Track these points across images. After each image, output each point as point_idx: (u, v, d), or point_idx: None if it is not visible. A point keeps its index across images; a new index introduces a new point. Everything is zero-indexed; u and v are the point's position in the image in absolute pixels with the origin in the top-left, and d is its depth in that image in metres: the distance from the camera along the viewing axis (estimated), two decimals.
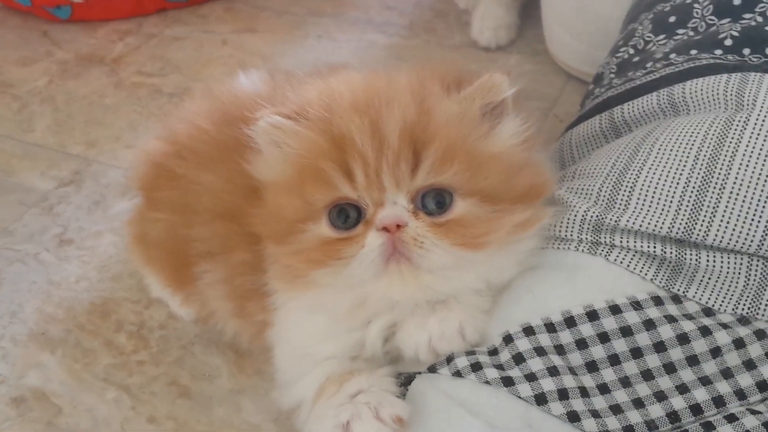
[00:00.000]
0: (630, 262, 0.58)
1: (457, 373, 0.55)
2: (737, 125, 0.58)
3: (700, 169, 0.58)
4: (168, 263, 0.73)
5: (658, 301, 0.56)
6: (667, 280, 0.57)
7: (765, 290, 0.56)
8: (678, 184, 0.58)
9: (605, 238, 0.59)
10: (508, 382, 0.53)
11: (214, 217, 0.67)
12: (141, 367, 0.77)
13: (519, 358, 0.54)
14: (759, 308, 0.55)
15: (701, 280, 0.57)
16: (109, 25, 1.37)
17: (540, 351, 0.54)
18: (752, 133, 0.57)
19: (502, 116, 0.57)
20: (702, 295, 0.57)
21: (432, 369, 0.57)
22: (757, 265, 0.56)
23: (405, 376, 0.58)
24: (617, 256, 0.58)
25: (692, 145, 0.59)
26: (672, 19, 0.74)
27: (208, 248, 0.68)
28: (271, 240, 0.59)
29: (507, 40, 1.20)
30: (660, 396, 0.53)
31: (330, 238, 0.55)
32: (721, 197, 0.56)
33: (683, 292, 0.57)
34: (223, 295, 0.69)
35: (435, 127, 0.53)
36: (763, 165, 0.56)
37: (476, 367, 0.55)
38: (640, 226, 0.58)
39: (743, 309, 0.56)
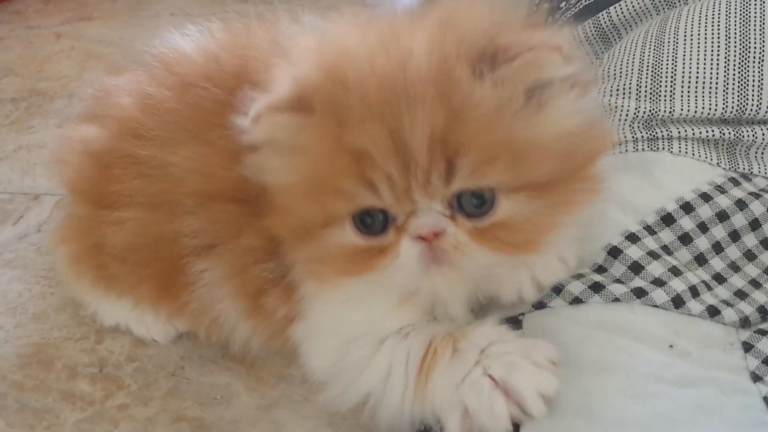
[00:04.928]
0: (694, 151, 0.56)
1: (576, 300, 0.49)
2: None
3: (735, 46, 0.57)
4: (146, 273, 0.58)
5: (735, 182, 0.55)
6: (728, 161, 0.56)
7: None
8: (718, 64, 0.57)
9: (661, 131, 0.56)
10: (639, 293, 0.48)
11: (208, 200, 0.53)
12: (125, 412, 0.61)
13: (637, 267, 0.50)
14: None
15: (755, 156, 0.57)
16: None
17: (653, 254, 0.50)
18: None
19: (552, 92, 0.44)
20: (763, 169, 0.56)
21: (539, 305, 0.50)
22: None
23: (506, 320, 0.51)
24: (680, 147, 0.56)
25: (717, 25, 0.58)
26: None
27: (205, 240, 0.55)
28: (291, 239, 0.49)
29: None
30: None
31: (357, 246, 0.45)
32: (762, 69, 0.56)
33: (748, 170, 0.56)
34: (230, 294, 0.56)
35: (470, 129, 0.42)
36: None
37: (597, 287, 0.49)
38: (695, 112, 0.56)
39: None
